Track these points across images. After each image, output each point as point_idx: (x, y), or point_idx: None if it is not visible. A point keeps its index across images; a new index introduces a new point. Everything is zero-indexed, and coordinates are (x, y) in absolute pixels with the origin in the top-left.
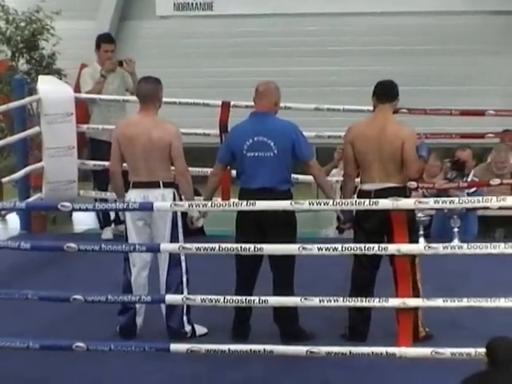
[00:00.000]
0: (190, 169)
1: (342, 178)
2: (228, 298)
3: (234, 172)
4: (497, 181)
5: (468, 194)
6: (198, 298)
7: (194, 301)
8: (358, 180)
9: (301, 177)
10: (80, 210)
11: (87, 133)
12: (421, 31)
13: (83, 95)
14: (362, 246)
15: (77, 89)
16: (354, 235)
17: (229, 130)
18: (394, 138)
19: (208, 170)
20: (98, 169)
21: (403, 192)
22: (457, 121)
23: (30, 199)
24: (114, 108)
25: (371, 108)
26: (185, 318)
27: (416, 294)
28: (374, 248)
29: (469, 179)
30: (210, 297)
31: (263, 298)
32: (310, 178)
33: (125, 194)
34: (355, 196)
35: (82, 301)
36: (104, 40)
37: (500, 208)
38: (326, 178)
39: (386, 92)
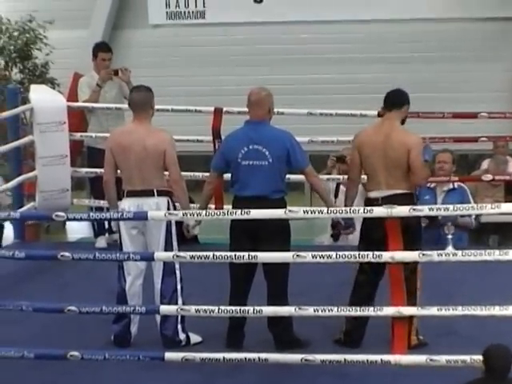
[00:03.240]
0: (182, 173)
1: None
2: (222, 308)
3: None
4: (489, 177)
5: (448, 191)
6: (192, 309)
7: (188, 311)
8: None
9: (292, 176)
10: (74, 219)
11: (85, 141)
12: (413, 38)
13: (76, 104)
14: (357, 253)
15: (70, 97)
16: (359, 243)
17: (222, 136)
18: (399, 145)
19: (200, 175)
20: (92, 176)
21: (410, 198)
22: (451, 128)
23: (24, 208)
24: (111, 116)
25: (364, 112)
26: (179, 326)
27: (414, 303)
28: (369, 256)
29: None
30: (204, 307)
31: (257, 307)
32: (301, 177)
33: (117, 204)
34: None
35: (77, 312)
36: (101, 49)
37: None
38: (323, 185)
39: (391, 99)
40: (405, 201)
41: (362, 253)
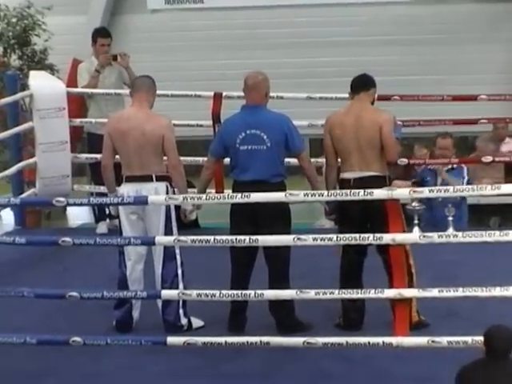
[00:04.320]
0: (182, 158)
1: None
2: (224, 292)
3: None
4: (489, 158)
5: (447, 171)
6: (193, 293)
7: (189, 296)
8: None
9: (292, 160)
10: (74, 204)
11: (85, 127)
12: (415, 21)
13: (75, 90)
14: (357, 235)
15: (69, 83)
16: (338, 224)
17: (222, 121)
18: (370, 124)
19: (200, 160)
20: (93, 162)
21: (383, 181)
22: (451, 110)
23: (24, 194)
24: (111, 102)
25: None
26: (181, 311)
27: (410, 280)
28: (369, 238)
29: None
30: (205, 291)
31: (259, 291)
32: None
33: (116, 188)
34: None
35: (78, 298)
36: (100, 34)
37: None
38: (315, 172)
39: (358, 83)
40: (377, 183)
41: (362, 235)
